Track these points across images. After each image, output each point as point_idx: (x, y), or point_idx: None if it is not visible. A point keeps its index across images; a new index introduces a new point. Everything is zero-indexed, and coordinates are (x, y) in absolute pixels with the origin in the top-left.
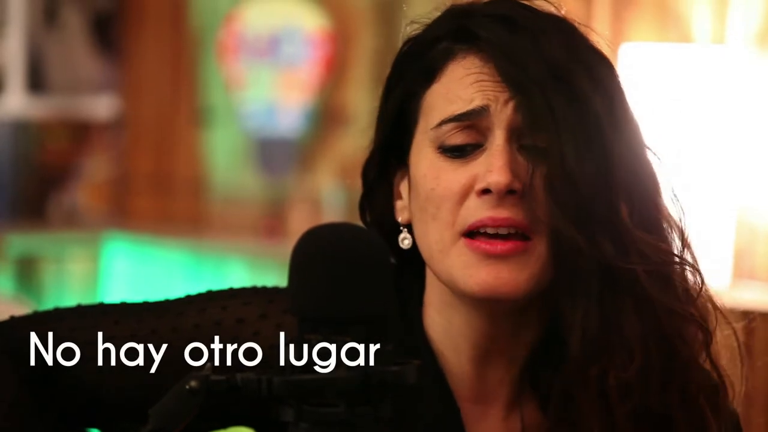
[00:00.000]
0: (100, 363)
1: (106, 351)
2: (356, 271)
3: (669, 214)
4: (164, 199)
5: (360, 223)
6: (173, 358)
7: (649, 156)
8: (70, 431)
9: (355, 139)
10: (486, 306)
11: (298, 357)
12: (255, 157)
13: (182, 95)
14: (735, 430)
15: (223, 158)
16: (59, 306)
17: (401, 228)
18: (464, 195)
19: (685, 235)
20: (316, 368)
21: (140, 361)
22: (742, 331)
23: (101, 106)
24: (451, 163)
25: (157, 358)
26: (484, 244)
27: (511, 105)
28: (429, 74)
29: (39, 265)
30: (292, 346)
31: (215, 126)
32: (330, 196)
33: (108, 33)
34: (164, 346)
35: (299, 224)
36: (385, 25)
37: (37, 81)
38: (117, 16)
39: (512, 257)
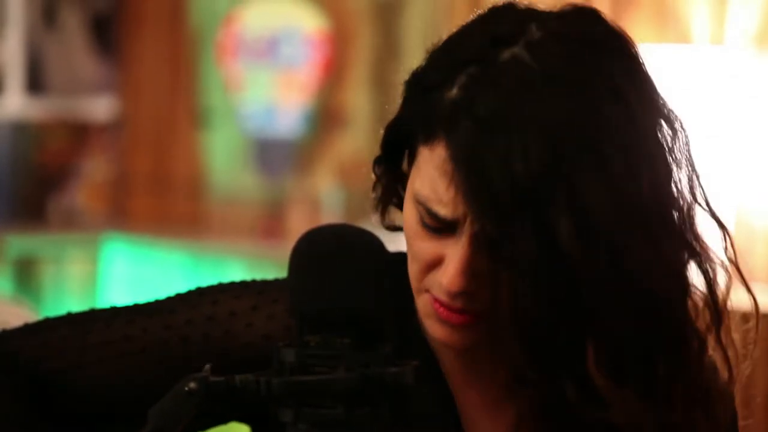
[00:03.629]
0: (94, 369)
1: (100, 356)
2: (354, 271)
3: (669, 340)
4: (163, 199)
5: (358, 224)
6: (167, 356)
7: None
8: None
9: (355, 140)
10: None
11: (297, 358)
12: (254, 158)
13: (181, 96)
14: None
15: (222, 159)
16: (48, 316)
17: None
18: (432, 266)
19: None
20: (315, 370)
21: (134, 362)
22: (743, 333)
23: (100, 107)
24: (426, 234)
25: (151, 358)
26: (441, 309)
27: (477, 220)
28: (424, 134)
29: (38, 266)
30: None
31: (214, 127)
32: (329, 196)
33: (107, 34)
34: (157, 346)
35: (298, 225)
36: (384, 26)
37: (36, 82)
38: (116, 17)
39: (465, 326)
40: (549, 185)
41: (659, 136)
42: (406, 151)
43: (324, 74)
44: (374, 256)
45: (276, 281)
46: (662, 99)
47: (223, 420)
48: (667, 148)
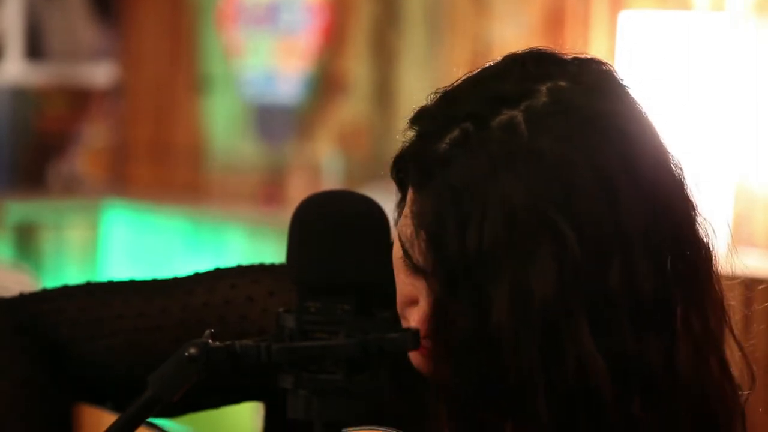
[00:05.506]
0: (109, 342)
1: (116, 330)
2: (354, 237)
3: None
4: (163, 166)
5: (358, 191)
6: (182, 336)
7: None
8: (83, 406)
9: (354, 107)
10: None
11: (297, 324)
12: (254, 125)
13: (181, 63)
14: None
15: (222, 126)
16: (67, 283)
17: None
18: (409, 303)
19: None
20: (315, 336)
21: (148, 339)
22: (743, 300)
23: (100, 74)
24: (406, 269)
25: (165, 337)
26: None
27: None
28: (413, 176)
29: (38, 233)
30: (291, 313)
31: (214, 93)
32: (329, 163)
33: (107, 0)
34: (173, 326)
35: (298, 191)
36: None
37: (36, 48)
38: None
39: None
40: (497, 263)
41: (644, 223)
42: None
43: (324, 40)
44: (375, 223)
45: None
46: (670, 181)
47: (226, 398)
48: (656, 236)
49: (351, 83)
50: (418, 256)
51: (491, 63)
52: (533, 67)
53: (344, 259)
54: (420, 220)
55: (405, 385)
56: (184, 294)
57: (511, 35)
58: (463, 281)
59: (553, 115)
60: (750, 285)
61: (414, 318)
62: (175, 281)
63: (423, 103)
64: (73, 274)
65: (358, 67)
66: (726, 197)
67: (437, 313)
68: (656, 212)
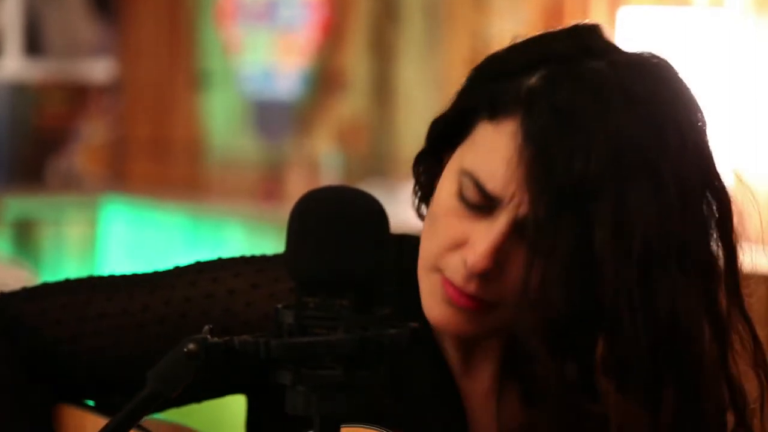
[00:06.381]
0: (92, 340)
1: (99, 328)
2: (354, 233)
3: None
4: (162, 162)
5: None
6: (166, 332)
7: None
8: (65, 407)
9: (353, 103)
10: None
11: (296, 319)
12: (252, 121)
13: (180, 59)
14: None
15: (221, 122)
16: (47, 281)
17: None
18: (455, 246)
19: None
20: (314, 331)
21: (132, 337)
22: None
23: (99, 70)
24: (460, 210)
25: (149, 333)
26: (451, 290)
27: (524, 204)
28: (491, 110)
29: (36, 229)
30: (290, 309)
31: (213, 89)
32: (327, 159)
33: None
34: (156, 322)
35: (297, 187)
36: None
37: (34, 44)
38: None
39: (469, 311)
40: (602, 190)
41: (706, 192)
42: (450, 144)
43: (323, 37)
44: (374, 218)
45: (278, 257)
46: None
47: (224, 392)
48: (710, 202)
49: (350, 79)
50: (493, 185)
51: (564, 26)
52: (607, 36)
53: (343, 254)
54: (525, 143)
55: (401, 384)
56: (165, 289)
57: (510, 31)
58: (567, 204)
59: (633, 70)
60: (743, 279)
61: (477, 251)
62: (157, 276)
63: (422, 98)
64: (72, 271)
65: (356, 64)
66: None
67: (532, 236)
68: (710, 171)
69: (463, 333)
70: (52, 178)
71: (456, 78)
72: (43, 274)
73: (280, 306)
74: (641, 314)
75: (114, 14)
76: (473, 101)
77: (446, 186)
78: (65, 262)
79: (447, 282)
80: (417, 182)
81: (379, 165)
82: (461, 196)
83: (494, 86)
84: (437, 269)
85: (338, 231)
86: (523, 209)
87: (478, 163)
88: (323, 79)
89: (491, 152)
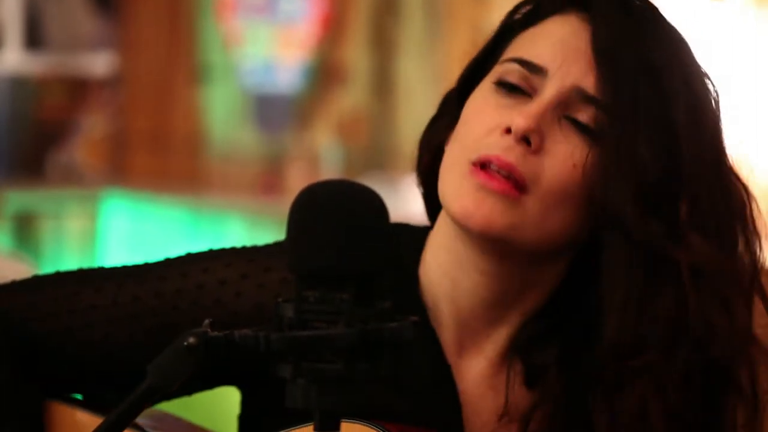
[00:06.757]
0: (83, 333)
1: (89, 320)
2: (354, 227)
3: (749, 235)
4: (162, 156)
5: (357, 180)
6: (157, 324)
7: (731, 174)
8: (56, 401)
9: (353, 96)
10: (489, 247)
11: (296, 313)
12: (253, 114)
13: (180, 52)
14: None
15: (221, 115)
16: (37, 274)
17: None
18: (492, 131)
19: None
20: (314, 325)
21: (123, 328)
22: None
23: (99, 63)
24: (499, 100)
25: (141, 325)
26: (483, 176)
27: (571, 76)
28: (532, 18)
29: (37, 222)
30: (290, 303)
31: (213, 83)
32: (328, 152)
33: None
34: (147, 314)
35: (297, 181)
36: None
37: (34, 37)
38: None
39: (499, 198)
40: (667, 65)
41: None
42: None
43: (323, 30)
44: (374, 212)
45: (268, 248)
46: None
47: (212, 384)
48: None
49: (350, 73)
50: (547, 59)
51: None
52: None
53: (343, 248)
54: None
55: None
56: (156, 280)
57: None
58: (642, 77)
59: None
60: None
61: (528, 110)
62: (147, 267)
63: (422, 92)
64: (72, 264)
65: (357, 57)
66: None
67: (620, 106)
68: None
69: (489, 226)
70: (52, 171)
71: (456, 72)
72: (43, 267)
73: (280, 299)
74: (714, 182)
75: (114, 8)
76: (513, 20)
77: (481, 90)
78: (65, 256)
79: (479, 172)
80: (418, 167)
81: (379, 158)
82: (501, 84)
83: (534, 3)
84: (468, 163)
85: (339, 224)
86: (570, 80)
87: (523, 50)
88: (323, 73)
89: (538, 40)
